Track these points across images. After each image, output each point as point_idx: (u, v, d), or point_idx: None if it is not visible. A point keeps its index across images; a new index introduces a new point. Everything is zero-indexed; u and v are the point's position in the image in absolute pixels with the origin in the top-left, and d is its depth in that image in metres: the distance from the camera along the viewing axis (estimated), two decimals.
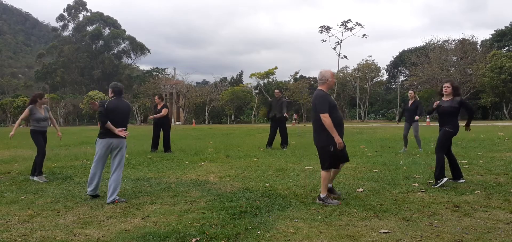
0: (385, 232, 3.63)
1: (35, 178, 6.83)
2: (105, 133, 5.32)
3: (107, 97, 5.77)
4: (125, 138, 5.39)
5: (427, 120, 25.61)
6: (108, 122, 5.23)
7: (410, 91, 10.29)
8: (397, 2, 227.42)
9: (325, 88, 4.86)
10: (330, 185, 5.03)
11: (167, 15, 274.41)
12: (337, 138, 4.61)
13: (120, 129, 5.30)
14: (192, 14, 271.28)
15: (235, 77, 69.57)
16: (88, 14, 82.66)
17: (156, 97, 11.85)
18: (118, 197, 5.15)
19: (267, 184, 5.97)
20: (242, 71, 71.32)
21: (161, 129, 11.20)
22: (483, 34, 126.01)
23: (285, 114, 11.43)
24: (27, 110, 7.11)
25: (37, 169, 6.92)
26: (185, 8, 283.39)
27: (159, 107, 11.32)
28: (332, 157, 4.71)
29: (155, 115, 11.17)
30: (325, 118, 4.62)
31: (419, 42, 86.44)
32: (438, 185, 5.53)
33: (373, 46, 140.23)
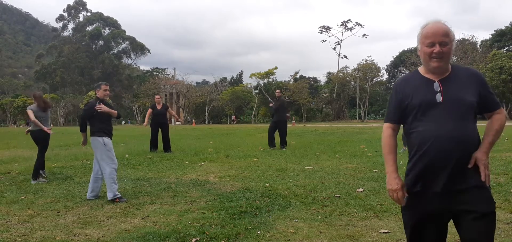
0: (385, 232, 3.63)
1: (35, 181, 6.74)
2: None
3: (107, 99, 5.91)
4: (97, 135, 5.37)
5: None
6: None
7: None
8: (386, 4, 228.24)
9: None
10: None
11: (163, 17, 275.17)
12: (389, 180, 2.10)
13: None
14: (187, 16, 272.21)
15: (235, 77, 69.66)
16: (88, 14, 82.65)
17: (158, 96, 12.20)
18: (119, 195, 5.14)
19: (267, 184, 5.96)
20: (242, 71, 71.54)
21: (160, 129, 11.22)
22: (476, 35, 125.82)
23: (287, 114, 11.56)
24: None
25: (39, 172, 6.84)
26: (180, 10, 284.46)
27: (159, 107, 11.34)
28: (405, 220, 2.15)
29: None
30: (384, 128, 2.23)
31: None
32: None
33: (369, 47, 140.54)
